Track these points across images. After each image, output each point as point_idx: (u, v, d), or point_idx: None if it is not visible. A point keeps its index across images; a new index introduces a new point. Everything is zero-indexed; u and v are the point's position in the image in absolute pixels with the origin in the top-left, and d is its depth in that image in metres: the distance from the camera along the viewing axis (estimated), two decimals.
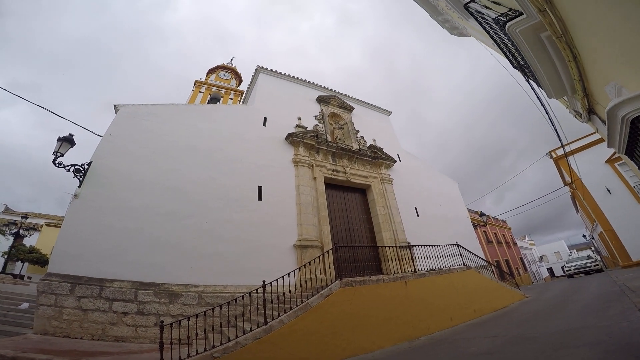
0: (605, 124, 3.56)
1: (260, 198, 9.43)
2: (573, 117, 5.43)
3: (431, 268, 8.95)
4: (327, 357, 5.56)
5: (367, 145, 13.54)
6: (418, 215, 13.42)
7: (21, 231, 19.49)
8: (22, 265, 20.99)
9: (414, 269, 8.80)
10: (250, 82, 14.06)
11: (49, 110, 8.40)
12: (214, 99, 24.03)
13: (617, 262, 18.03)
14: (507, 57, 5.14)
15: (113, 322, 6.36)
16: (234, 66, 27.84)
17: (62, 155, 7.33)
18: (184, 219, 7.97)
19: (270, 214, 9.32)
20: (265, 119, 11.39)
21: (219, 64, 27.38)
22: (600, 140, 17.10)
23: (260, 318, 5.84)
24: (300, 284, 7.12)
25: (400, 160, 14.69)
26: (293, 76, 14.04)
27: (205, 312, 5.52)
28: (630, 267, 15.52)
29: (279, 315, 5.63)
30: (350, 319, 6.20)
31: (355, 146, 13.05)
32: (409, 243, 10.24)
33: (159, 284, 6.98)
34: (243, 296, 6.10)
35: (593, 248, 35.52)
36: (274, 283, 6.28)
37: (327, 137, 12.45)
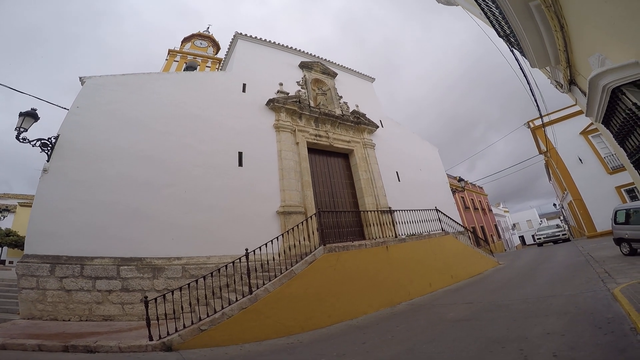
0: (585, 95, 3.60)
1: (240, 164, 9.24)
2: (554, 87, 5.48)
3: (411, 233, 9.20)
4: (313, 324, 5.72)
5: (350, 110, 13.42)
6: (399, 180, 13.61)
7: None
8: (1, 250, 20.09)
9: (395, 234, 9.02)
10: (228, 49, 13.31)
11: (9, 87, 7.74)
12: (190, 68, 22.73)
13: (584, 232, 19.22)
14: (494, 26, 5.06)
15: (99, 301, 6.30)
16: (210, 34, 26.21)
17: (26, 130, 6.84)
18: (162, 189, 7.73)
19: (252, 179, 9.17)
20: (244, 85, 10.92)
21: (195, 32, 25.69)
22: (576, 114, 17.67)
23: (245, 287, 5.85)
24: (285, 251, 7.10)
25: (382, 126, 14.64)
26: (274, 42, 13.36)
27: (189, 284, 5.53)
28: (595, 237, 16.55)
29: (264, 284, 5.67)
30: (335, 285, 6.37)
31: (338, 112, 12.88)
32: (390, 208, 10.37)
33: (141, 259, 6.89)
34: (226, 266, 6.04)
35: (562, 217, 37.56)
36: (257, 251, 6.21)
37: (309, 102, 12.18)
